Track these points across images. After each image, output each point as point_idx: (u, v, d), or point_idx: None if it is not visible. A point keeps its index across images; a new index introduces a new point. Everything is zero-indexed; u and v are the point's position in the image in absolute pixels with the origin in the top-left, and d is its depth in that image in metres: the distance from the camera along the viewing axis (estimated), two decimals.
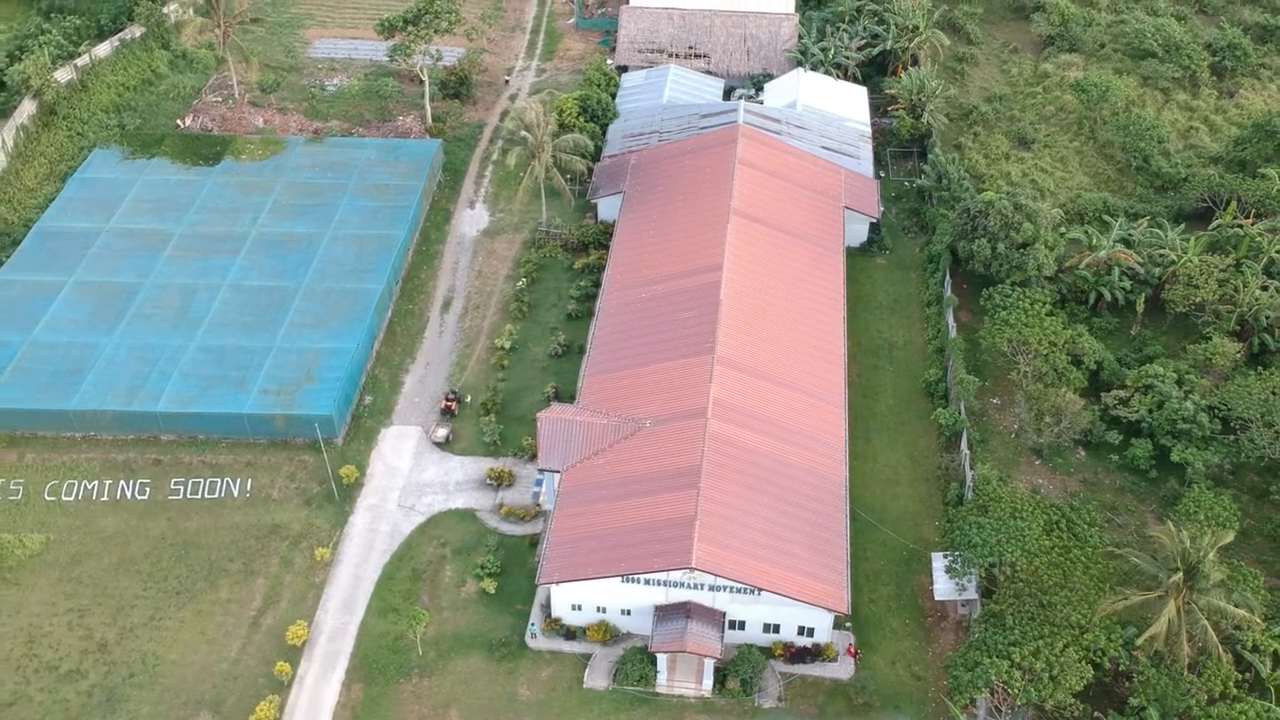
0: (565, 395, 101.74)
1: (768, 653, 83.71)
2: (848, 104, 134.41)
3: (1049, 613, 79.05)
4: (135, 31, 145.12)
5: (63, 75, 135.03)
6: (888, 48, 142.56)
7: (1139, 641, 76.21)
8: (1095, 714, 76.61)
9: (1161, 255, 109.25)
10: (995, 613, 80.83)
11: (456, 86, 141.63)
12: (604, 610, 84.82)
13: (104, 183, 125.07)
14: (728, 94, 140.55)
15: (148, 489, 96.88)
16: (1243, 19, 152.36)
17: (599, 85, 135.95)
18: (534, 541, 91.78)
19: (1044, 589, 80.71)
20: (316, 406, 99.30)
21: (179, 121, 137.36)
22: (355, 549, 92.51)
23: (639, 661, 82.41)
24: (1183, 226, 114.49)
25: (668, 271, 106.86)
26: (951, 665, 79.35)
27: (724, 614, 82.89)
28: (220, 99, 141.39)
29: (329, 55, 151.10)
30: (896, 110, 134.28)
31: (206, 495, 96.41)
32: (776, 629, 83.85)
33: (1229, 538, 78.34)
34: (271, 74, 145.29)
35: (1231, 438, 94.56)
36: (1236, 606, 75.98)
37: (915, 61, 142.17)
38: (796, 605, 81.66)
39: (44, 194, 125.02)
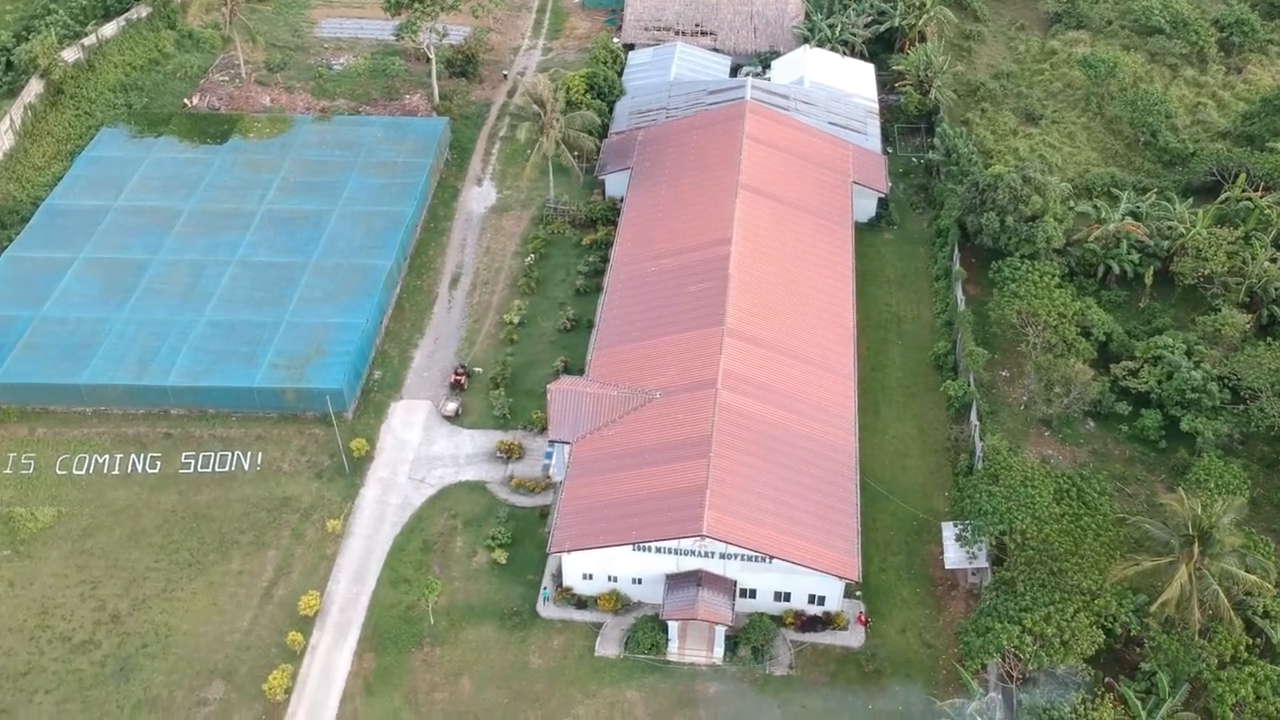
0: (575, 369, 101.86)
1: (779, 621, 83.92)
2: (855, 81, 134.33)
3: (1060, 579, 79.15)
4: (141, 11, 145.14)
5: (70, 55, 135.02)
6: (895, 25, 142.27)
7: (1152, 608, 76.25)
8: (1106, 679, 76.68)
9: (1170, 228, 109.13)
10: (1006, 579, 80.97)
11: (463, 65, 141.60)
12: (615, 579, 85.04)
13: (112, 161, 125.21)
14: (734, 71, 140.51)
15: (158, 463, 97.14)
16: None
17: (605, 63, 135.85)
18: (544, 513, 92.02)
19: (1055, 556, 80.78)
20: (326, 380, 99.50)
21: (186, 101, 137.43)
22: (366, 521, 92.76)
23: (650, 630, 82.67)
24: (1191, 200, 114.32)
25: (676, 246, 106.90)
26: (963, 632, 79.54)
27: (735, 582, 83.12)
28: (227, 78, 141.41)
29: (335, 35, 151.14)
30: (903, 86, 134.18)
31: (217, 468, 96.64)
32: (787, 597, 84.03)
33: (1242, 502, 78.43)
34: (278, 53, 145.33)
35: (1241, 407, 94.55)
36: (1250, 571, 76.04)
37: (922, 38, 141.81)
38: (807, 573, 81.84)
39: (52, 172, 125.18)
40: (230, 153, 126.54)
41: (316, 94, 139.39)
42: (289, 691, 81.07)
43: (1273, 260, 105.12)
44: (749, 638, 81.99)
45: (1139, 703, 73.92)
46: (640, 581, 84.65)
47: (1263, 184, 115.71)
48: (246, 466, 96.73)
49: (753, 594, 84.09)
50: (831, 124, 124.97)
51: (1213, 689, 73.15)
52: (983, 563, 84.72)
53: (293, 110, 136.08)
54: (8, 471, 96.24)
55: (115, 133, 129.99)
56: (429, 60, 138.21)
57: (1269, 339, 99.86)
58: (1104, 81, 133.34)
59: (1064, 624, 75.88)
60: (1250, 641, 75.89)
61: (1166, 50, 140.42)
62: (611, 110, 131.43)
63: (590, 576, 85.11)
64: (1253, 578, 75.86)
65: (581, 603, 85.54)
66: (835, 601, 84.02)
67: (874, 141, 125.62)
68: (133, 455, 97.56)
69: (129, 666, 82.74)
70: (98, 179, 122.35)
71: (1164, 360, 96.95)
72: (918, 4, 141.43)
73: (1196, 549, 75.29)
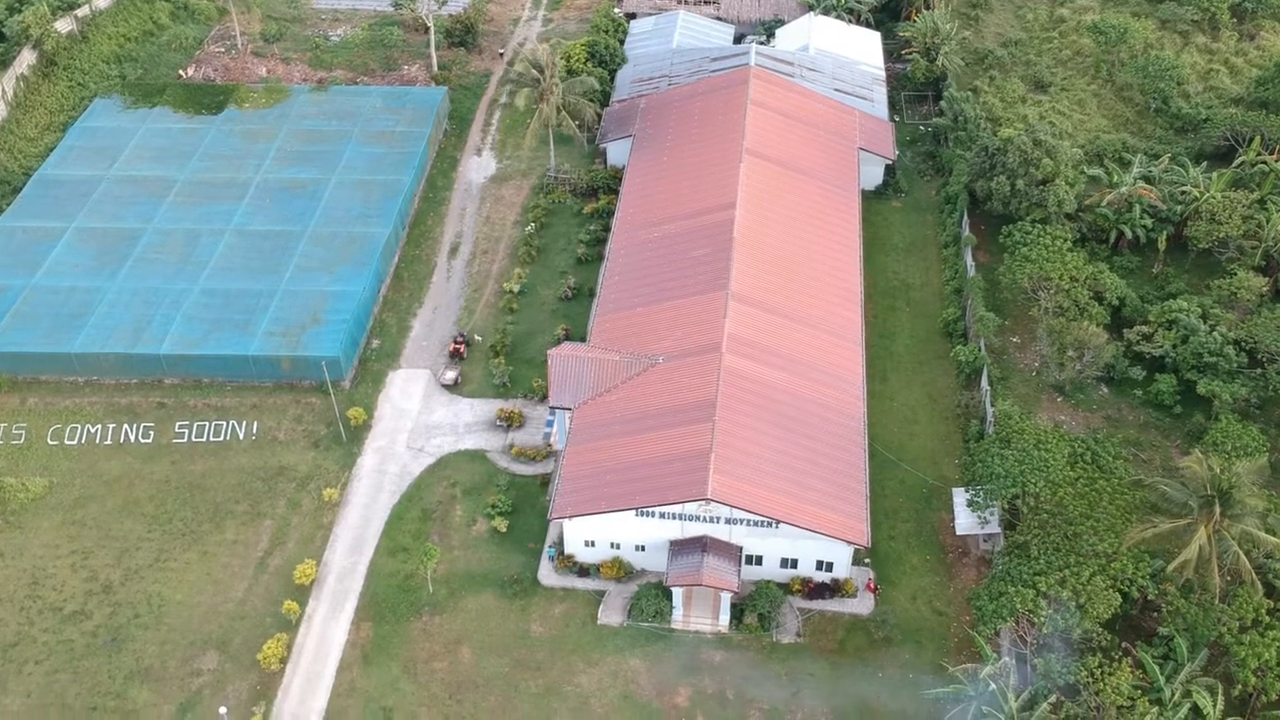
0: (576, 337, 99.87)
1: (786, 588, 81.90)
2: (861, 48, 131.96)
3: (1075, 543, 76.95)
4: None
5: (63, 26, 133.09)
6: None
7: (1169, 569, 74.09)
8: (1123, 644, 74.56)
9: (1183, 193, 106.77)
10: (1019, 543, 78.81)
11: (462, 35, 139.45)
12: (618, 546, 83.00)
13: (106, 131, 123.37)
14: (738, 40, 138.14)
15: (151, 432, 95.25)
16: None
17: (607, 31, 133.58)
18: (545, 481, 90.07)
19: (1069, 519, 78.62)
20: (323, 348, 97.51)
21: (181, 72, 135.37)
22: (364, 490, 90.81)
23: (654, 597, 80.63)
24: (1204, 166, 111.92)
25: (679, 211, 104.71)
26: (975, 596, 77.48)
27: (741, 548, 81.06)
28: (223, 49, 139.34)
29: (332, 6, 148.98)
30: (910, 54, 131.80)
31: (211, 438, 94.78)
32: (794, 564, 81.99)
33: (1263, 463, 76.27)
34: (274, 24, 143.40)
35: (1258, 371, 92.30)
36: (1271, 533, 73.86)
37: (928, 5, 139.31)
38: (815, 539, 79.76)
39: (44, 143, 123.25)
40: (226, 123, 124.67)
41: (314, 65, 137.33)
42: (284, 661, 79.26)
43: None
44: (755, 605, 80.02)
45: (1156, 667, 71.85)
46: (643, 548, 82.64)
47: (1278, 147, 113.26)
48: (241, 436, 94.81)
49: (759, 560, 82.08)
50: (837, 91, 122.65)
51: (1234, 653, 70.98)
52: (994, 528, 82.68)
53: (289, 81, 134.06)
54: None
55: (109, 103, 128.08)
56: (427, 30, 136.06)
57: None
58: (1114, 48, 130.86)
59: (1079, 587, 73.76)
60: (1272, 605, 73.63)
61: (1178, 17, 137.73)
62: (613, 79, 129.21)
63: (592, 543, 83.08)
64: (1274, 540, 73.62)
65: (584, 570, 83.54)
66: (844, 568, 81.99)
67: (881, 109, 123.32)
68: (125, 425, 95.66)
69: (121, 637, 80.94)
70: (91, 149, 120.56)
71: (1179, 324, 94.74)
72: None
73: (1216, 510, 73.07)
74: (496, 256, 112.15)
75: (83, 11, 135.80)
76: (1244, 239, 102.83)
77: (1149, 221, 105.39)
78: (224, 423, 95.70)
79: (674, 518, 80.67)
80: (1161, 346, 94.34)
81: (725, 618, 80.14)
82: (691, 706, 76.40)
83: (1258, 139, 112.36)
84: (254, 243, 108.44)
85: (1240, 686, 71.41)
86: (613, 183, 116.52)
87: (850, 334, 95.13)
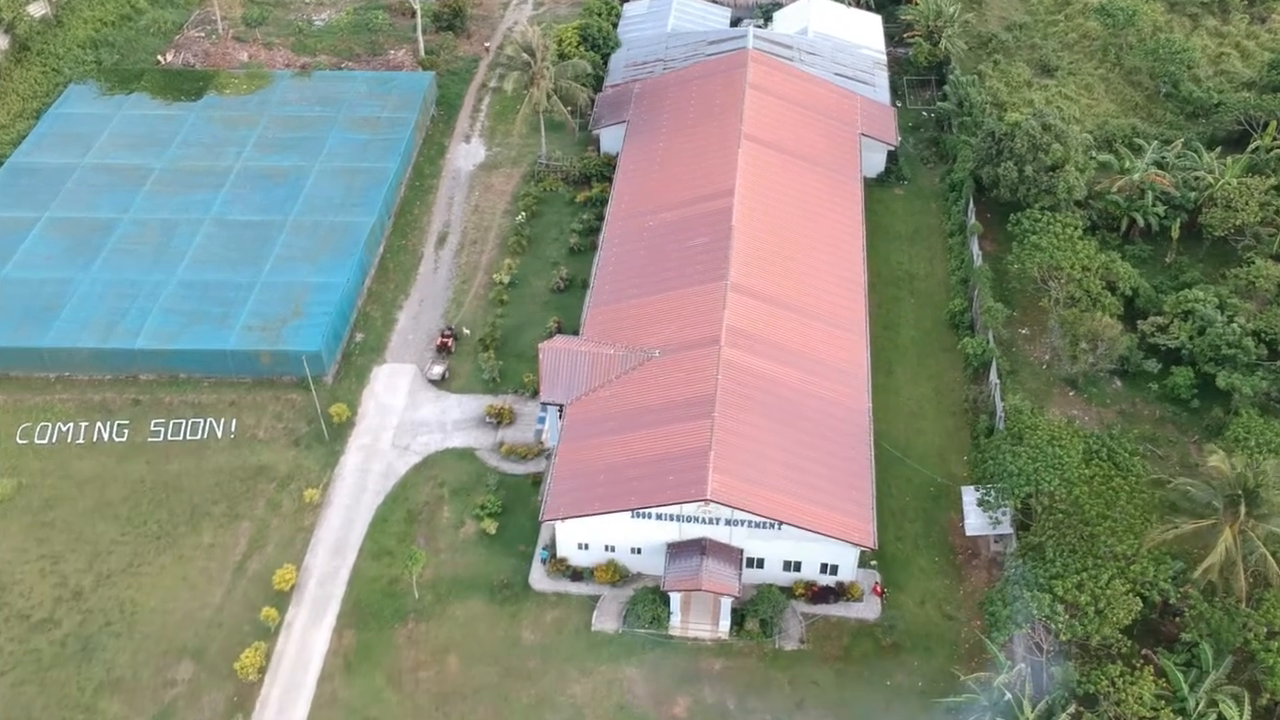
0: (568, 329, 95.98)
1: (789, 592, 78.30)
2: (861, 32, 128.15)
3: (1092, 544, 73.39)
4: None
5: (36, 10, 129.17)
6: None
7: (1196, 574, 70.58)
8: (1143, 651, 71.05)
9: (1197, 179, 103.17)
10: (1034, 545, 75.20)
11: (450, 19, 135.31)
12: (612, 549, 79.37)
13: (80, 118, 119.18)
14: (735, 24, 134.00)
15: (126, 430, 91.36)
16: None
17: (600, 14, 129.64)
18: (536, 480, 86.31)
19: (1086, 519, 75.04)
20: (304, 342, 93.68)
21: (160, 57, 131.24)
22: (347, 490, 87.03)
23: (651, 602, 77.01)
24: (1218, 151, 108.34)
25: (676, 199, 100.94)
26: (988, 601, 73.92)
27: (741, 551, 77.43)
28: (203, 34, 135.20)
29: None
30: (913, 37, 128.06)
31: (188, 436, 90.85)
32: (798, 567, 78.40)
33: None
34: (256, 9, 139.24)
35: (1279, 363, 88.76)
36: None
37: None
38: (819, 540, 76.12)
39: (16, 131, 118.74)
40: (205, 109, 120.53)
41: (297, 50, 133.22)
42: (263, 671, 75.54)
43: None
44: (757, 610, 76.41)
45: (1180, 675, 68.37)
46: (640, 551, 78.96)
47: None
48: (219, 434, 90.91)
49: (760, 563, 78.47)
50: (838, 75, 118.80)
51: (1261, 660, 67.62)
52: (1006, 529, 79.08)
53: (272, 67, 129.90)
54: None
55: (84, 89, 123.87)
56: (414, 14, 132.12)
57: None
58: (1122, 31, 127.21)
59: (1098, 591, 70.15)
60: None
61: None
62: (606, 63, 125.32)
63: (586, 546, 79.42)
64: None
65: (577, 574, 79.89)
66: (849, 571, 78.38)
67: (882, 94, 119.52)
68: (99, 423, 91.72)
69: (91, 646, 77.20)
70: (65, 136, 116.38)
71: (1195, 315, 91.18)
72: None
73: (1242, 510, 69.55)
74: (486, 247, 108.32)
75: None
76: (1261, 226, 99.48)
77: (1162, 209, 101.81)
78: (201, 420, 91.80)
79: (671, 519, 76.98)
80: (1177, 338, 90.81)
81: (725, 624, 76.56)
82: (690, 717, 72.88)
83: (1273, 124, 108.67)
84: (233, 233, 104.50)
85: (1268, 695, 68.07)
86: (606, 170, 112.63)
87: (854, 326, 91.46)
